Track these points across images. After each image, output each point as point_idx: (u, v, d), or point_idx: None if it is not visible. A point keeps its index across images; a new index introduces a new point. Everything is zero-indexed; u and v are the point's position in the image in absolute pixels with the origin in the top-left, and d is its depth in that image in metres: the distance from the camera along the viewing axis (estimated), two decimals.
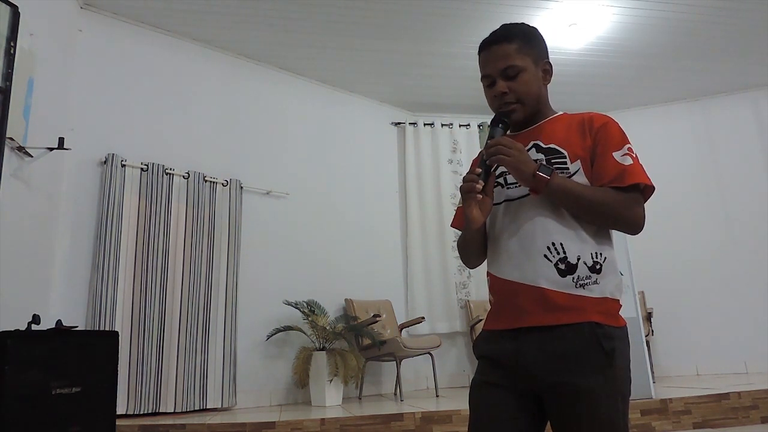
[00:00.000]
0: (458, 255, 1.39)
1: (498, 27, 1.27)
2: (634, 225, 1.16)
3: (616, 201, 1.15)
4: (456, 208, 1.41)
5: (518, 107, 1.24)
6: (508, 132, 1.28)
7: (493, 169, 1.21)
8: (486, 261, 1.30)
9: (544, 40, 1.30)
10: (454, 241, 5.66)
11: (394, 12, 4.48)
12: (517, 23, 1.28)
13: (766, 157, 5.87)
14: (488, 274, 1.26)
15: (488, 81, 1.26)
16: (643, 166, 1.17)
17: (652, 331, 5.59)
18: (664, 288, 5.72)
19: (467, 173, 1.21)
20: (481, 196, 1.18)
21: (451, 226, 1.43)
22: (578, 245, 1.15)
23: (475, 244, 1.29)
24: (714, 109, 6.17)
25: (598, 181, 1.17)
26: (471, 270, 5.76)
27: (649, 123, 6.27)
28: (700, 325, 5.65)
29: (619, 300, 1.17)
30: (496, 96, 1.25)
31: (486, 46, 1.26)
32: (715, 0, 4.48)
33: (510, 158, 1.16)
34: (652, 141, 6.09)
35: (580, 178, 1.18)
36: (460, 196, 1.27)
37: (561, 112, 1.30)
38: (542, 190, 1.15)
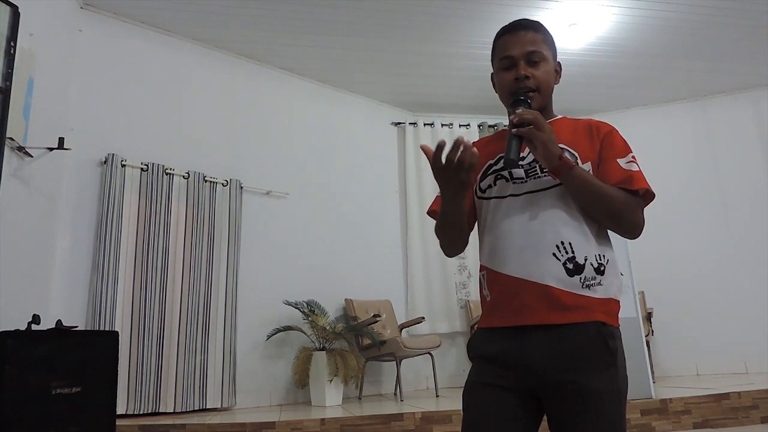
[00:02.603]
0: (459, 254, 1.36)
1: (510, 21, 1.28)
2: (635, 228, 1.17)
3: (625, 201, 1.16)
4: (435, 197, 1.35)
5: (535, 95, 1.23)
6: (493, 129, 1.27)
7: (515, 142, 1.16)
8: (481, 255, 1.26)
9: None
10: None
11: (394, 12, 4.48)
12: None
13: (766, 157, 5.87)
14: (483, 268, 1.24)
15: (509, 62, 1.25)
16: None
17: (652, 331, 5.58)
18: (664, 288, 5.71)
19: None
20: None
21: (427, 212, 1.37)
22: (585, 245, 1.15)
23: (458, 219, 1.24)
24: (714, 109, 6.17)
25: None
26: (471, 270, 5.77)
27: (649, 123, 6.27)
28: (700, 325, 5.65)
29: (619, 301, 1.17)
30: (518, 78, 1.22)
31: (513, 29, 1.26)
32: (716, 0, 4.48)
33: (543, 134, 1.12)
34: (652, 141, 6.09)
35: None
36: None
37: (561, 116, 1.30)
38: (564, 174, 1.14)
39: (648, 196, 1.19)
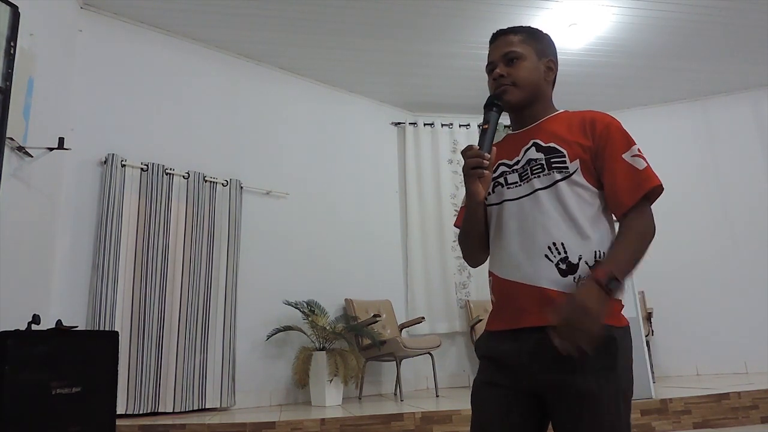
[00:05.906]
0: (459, 255, 1.40)
1: (511, 21, 1.32)
2: (653, 236, 1.15)
3: (644, 230, 1.14)
4: (459, 209, 1.41)
5: (512, 89, 1.26)
6: (509, 129, 1.29)
7: (492, 141, 1.20)
8: (489, 261, 1.30)
9: (552, 41, 1.34)
10: (454, 241, 5.66)
11: (394, 12, 4.48)
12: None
13: (766, 157, 5.87)
14: (490, 273, 1.27)
15: (491, 67, 1.30)
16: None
17: (652, 331, 5.58)
18: (664, 288, 5.71)
19: (466, 149, 1.19)
20: (487, 172, 1.17)
21: (454, 225, 1.43)
22: (579, 244, 1.14)
23: (476, 233, 1.28)
24: (714, 109, 6.17)
25: (611, 186, 1.17)
26: (471, 270, 5.77)
27: (650, 123, 6.27)
28: (700, 325, 5.65)
29: (620, 299, 1.17)
30: (495, 79, 1.28)
31: (494, 38, 1.33)
32: (715, 0, 4.48)
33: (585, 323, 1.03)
34: (653, 141, 6.07)
35: (579, 178, 1.18)
36: (463, 195, 1.26)
37: (562, 110, 1.30)
38: (616, 283, 1.08)
39: (654, 191, 1.16)
